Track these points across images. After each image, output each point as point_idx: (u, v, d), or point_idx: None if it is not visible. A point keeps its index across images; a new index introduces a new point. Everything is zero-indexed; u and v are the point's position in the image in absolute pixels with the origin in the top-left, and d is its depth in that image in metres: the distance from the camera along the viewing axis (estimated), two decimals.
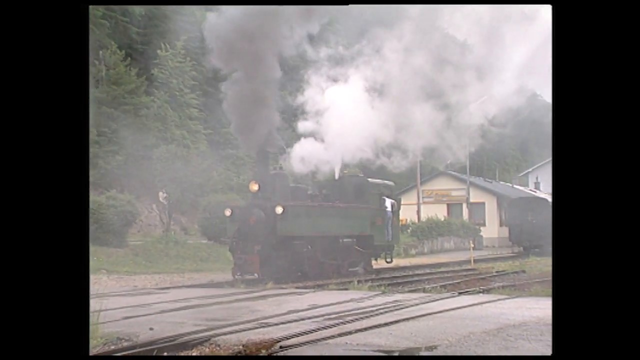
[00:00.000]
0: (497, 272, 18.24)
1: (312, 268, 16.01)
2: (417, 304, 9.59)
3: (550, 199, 33.64)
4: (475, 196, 38.61)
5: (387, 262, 19.13)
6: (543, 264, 20.76)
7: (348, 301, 10.03)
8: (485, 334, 6.94)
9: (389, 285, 14.17)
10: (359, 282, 13.86)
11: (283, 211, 14.99)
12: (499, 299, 10.34)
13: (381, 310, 8.75)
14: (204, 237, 23.35)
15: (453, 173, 40.62)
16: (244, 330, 7.14)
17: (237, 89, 14.69)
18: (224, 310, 9.00)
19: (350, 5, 17.45)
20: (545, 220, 31.01)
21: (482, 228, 37.11)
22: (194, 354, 6.34)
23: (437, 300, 10.29)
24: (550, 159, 54.60)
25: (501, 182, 48.72)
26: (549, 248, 32.60)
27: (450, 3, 18.77)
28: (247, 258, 14.81)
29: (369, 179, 18.39)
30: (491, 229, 38.68)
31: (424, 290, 12.92)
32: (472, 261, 21.95)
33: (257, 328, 7.26)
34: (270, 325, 7.46)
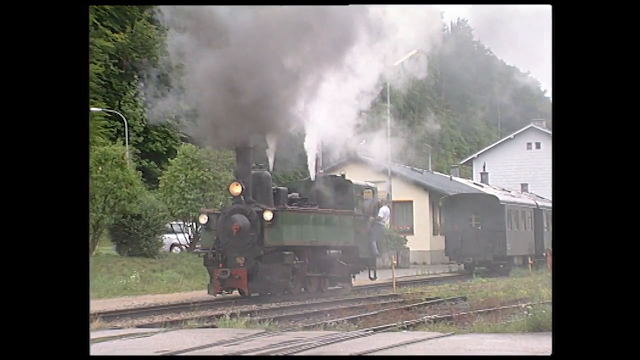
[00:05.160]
0: (427, 299, 18.82)
1: (297, 284, 19.05)
2: (314, 347, 9.72)
3: (501, 196, 35.07)
4: (399, 192, 39.54)
5: (371, 279, 22.33)
6: (490, 288, 21.65)
7: (215, 344, 10.06)
8: None
9: (274, 320, 14.26)
10: (232, 316, 13.87)
11: (273, 217, 17.67)
12: (429, 338, 10.67)
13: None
14: None
15: (369, 159, 41.30)
16: None
17: (214, 67, 17.34)
18: None
19: None
20: (494, 225, 32.26)
21: (408, 237, 38.09)
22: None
23: (344, 340, 10.48)
24: (501, 140, 57.14)
25: (436, 173, 50.27)
26: (499, 265, 33.95)
27: (450, 3, 23.00)
28: (234, 272, 17.58)
29: (353, 181, 21.82)
30: (421, 239, 39.82)
31: (325, 327, 13.10)
32: (394, 285, 22.53)
33: None
34: None
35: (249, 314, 14.92)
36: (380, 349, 9.48)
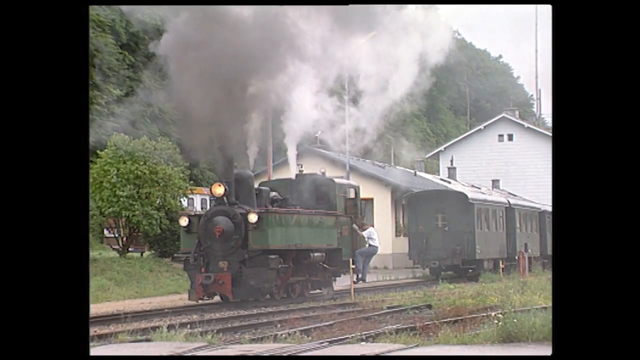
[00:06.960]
0: (389, 308, 18.95)
1: (280, 289, 20.26)
2: None
3: (470, 193, 35.38)
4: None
5: (355, 282, 23.49)
6: (457, 295, 21.84)
7: None
8: None
9: (219, 331, 14.24)
10: (169, 328, 13.83)
11: (258, 220, 18.86)
12: (390, 351, 10.74)
13: None
14: None
15: (326, 152, 41.37)
16: None
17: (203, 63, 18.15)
18: None
19: None
20: (463, 226, 32.52)
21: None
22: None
23: (296, 354, 10.47)
24: (470, 131, 57.60)
25: (399, 167, 50.51)
26: (467, 269, 34.27)
27: (450, 3, 24.64)
28: (218, 277, 18.71)
29: (335, 180, 23.40)
30: (383, 241, 39.85)
31: (276, 339, 13.12)
32: (352, 292, 22.61)
33: None
34: None
35: (188, 326, 14.88)
36: None
